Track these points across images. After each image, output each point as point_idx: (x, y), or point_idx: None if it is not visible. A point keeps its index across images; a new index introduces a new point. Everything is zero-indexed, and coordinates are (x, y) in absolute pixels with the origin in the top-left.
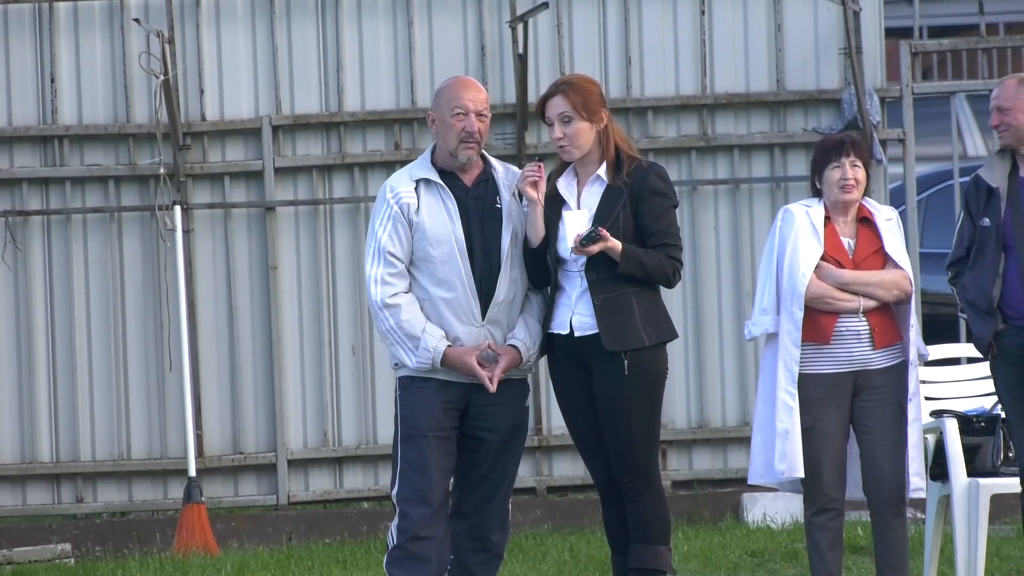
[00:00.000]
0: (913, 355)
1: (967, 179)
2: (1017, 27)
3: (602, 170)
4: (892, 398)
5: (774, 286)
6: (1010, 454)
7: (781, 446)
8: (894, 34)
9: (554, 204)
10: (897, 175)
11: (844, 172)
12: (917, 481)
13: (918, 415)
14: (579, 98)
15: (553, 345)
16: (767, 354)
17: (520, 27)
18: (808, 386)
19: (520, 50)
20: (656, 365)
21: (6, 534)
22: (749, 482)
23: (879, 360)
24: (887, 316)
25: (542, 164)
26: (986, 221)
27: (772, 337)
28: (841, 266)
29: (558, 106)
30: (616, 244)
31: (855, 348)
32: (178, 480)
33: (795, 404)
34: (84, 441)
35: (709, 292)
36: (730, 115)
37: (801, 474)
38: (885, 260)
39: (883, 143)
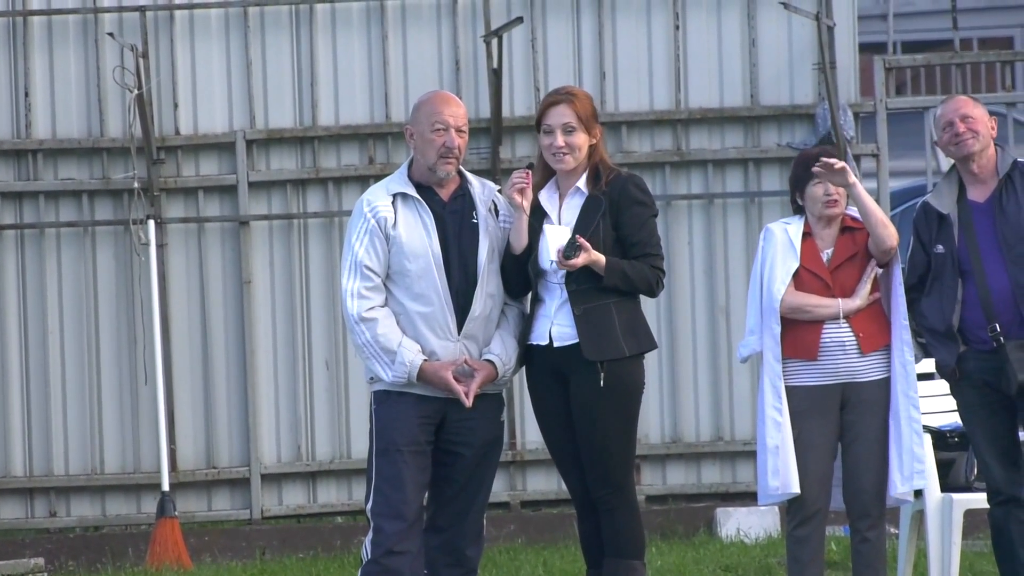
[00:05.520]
0: (902, 359)
1: None
2: (991, 42)
3: (581, 182)
4: (878, 411)
5: (759, 306)
6: None
7: (773, 462)
8: (868, 49)
9: (536, 215)
10: (871, 190)
11: (827, 187)
12: (902, 484)
13: (909, 416)
14: (584, 110)
15: (531, 356)
16: (760, 372)
17: (494, 42)
18: (793, 398)
19: (495, 65)
20: (633, 378)
21: None
22: (760, 503)
23: (867, 370)
24: (872, 320)
25: (530, 171)
26: (940, 248)
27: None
28: (817, 276)
29: (564, 115)
30: (600, 258)
31: (841, 359)
32: (151, 494)
33: (783, 419)
34: (57, 455)
35: (683, 307)
36: (704, 130)
37: (797, 490)
38: (862, 267)
39: (857, 158)
